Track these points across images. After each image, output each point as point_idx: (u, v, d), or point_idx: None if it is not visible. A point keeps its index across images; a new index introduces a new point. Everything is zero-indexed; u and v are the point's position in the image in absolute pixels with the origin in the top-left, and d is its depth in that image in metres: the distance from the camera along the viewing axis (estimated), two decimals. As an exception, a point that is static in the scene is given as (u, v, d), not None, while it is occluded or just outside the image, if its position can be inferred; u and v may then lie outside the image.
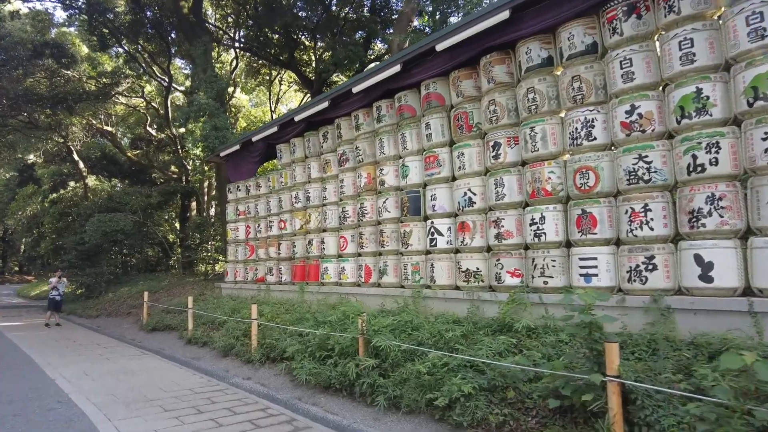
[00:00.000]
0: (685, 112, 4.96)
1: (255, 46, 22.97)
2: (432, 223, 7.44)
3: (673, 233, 5.11)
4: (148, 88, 27.80)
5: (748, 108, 4.56)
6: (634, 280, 5.20)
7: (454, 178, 7.38)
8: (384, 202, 8.36)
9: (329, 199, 9.91)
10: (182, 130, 23.88)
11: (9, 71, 20.54)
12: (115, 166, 29.09)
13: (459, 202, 7.13)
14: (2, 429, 5.17)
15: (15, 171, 33.93)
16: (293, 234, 10.95)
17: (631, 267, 5.24)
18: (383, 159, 8.53)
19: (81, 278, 20.39)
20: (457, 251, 7.17)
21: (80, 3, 21.64)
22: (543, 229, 6.02)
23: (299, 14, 19.77)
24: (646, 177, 5.22)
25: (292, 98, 30.64)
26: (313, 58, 22.68)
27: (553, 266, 5.90)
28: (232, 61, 26.33)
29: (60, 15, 45.50)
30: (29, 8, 23.69)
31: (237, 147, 12.77)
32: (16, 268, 55.65)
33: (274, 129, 11.34)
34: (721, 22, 4.90)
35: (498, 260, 6.49)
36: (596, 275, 5.53)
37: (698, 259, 4.77)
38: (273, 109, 27.87)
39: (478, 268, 6.74)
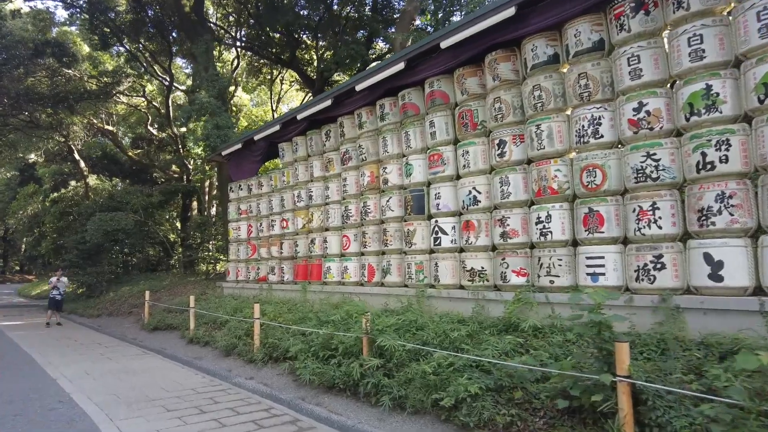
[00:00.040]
0: (695, 109, 4.90)
1: (256, 45, 22.93)
2: (436, 221, 7.38)
3: (681, 232, 5.05)
4: (149, 87, 27.76)
5: (759, 105, 4.49)
6: (642, 280, 5.14)
7: (458, 177, 7.32)
8: (387, 201, 8.30)
9: (332, 198, 9.86)
10: (183, 129, 23.82)
11: (10, 70, 20.51)
12: (116, 166, 29.07)
13: (464, 201, 7.07)
14: (3, 429, 5.12)
15: (16, 170, 33.95)
16: (295, 233, 10.89)
17: (638, 266, 5.18)
18: (387, 157, 8.47)
19: (82, 277, 20.36)
20: (462, 250, 7.11)
21: (81, 2, 21.60)
22: (549, 227, 5.96)
23: (301, 13, 19.72)
24: (654, 175, 5.16)
25: (293, 98, 30.60)
26: (315, 57, 22.63)
27: (560, 265, 5.84)
28: (233, 60, 26.27)
29: (61, 14, 45.70)
30: (30, 7, 23.69)
31: (239, 146, 12.72)
32: (17, 268, 55.64)
33: (277, 127, 11.28)
34: (731, 17, 4.83)
35: (503, 259, 6.43)
36: (603, 274, 5.47)
37: (708, 258, 4.70)
38: (274, 108, 27.82)
39: (483, 267, 6.68)
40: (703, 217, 4.78)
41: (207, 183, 27.92)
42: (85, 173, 29.99)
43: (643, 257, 5.15)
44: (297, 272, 10.51)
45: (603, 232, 5.54)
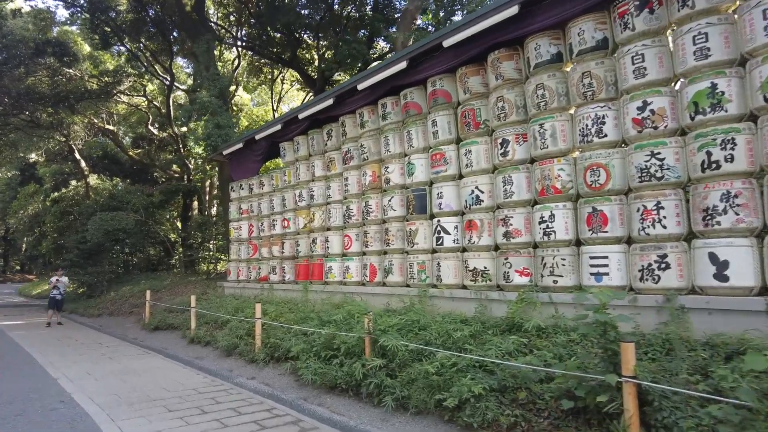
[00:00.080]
0: (699, 108, 4.87)
1: (257, 45, 22.88)
2: (438, 221, 7.35)
3: (686, 231, 5.02)
4: (149, 86, 27.71)
5: (765, 103, 4.46)
6: (647, 279, 5.11)
7: (461, 176, 7.29)
8: (389, 201, 8.28)
9: (333, 198, 9.83)
10: (184, 129, 23.80)
11: (11, 69, 20.48)
12: (116, 165, 29.04)
13: (466, 200, 7.04)
14: (5, 430, 5.09)
15: (17, 170, 33.91)
16: (297, 233, 10.87)
17: (643, 266, 5.15)
18: (388, 157, 8.44)
19: (83, 277, 20.34)
20: (464, 250, 7.08)
21: (82, 1, 21.57)
22: (552, 227, 5.94)
23: (302, 13, 19.67)
24: (658, 174, 5.13)
25: (294, 97, 30.56)
26: (316, 56, 22.58)
27: (563, 265, 5.81)
28: (234, 59, 26.23)
29: (62, 13, 45.67)
30: (31, 6, 23.70)
31: (240, 145, 12.69)
32: (18, 267, 55.65)
33: (278, 127, 11.26)
34: (736, 16, 4.80)
35: (506, 259, 6.40)
36: (607, 274, 5.44)
37: (713, 257, 4.68)
38: (275, 108, 27.78)
39: (485, 267, 6.65)
40: (709, 217, 4.75)
41: (207, 182, 27.88)
42: (86, 173, 29.97)
43: (647, 257, 5.12)
44: (298, 272, 10.48)
45: (607, 232, 5.51)
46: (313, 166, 10.50)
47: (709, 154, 4.77)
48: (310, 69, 23.04)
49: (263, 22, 20.07)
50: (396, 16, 19.44)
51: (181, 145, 26.02)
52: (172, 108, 25.15)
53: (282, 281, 11.00)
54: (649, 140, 5.23)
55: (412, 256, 7.72)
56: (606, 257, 5.47)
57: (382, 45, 22.38)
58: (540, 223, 6.07)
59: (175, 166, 28.61)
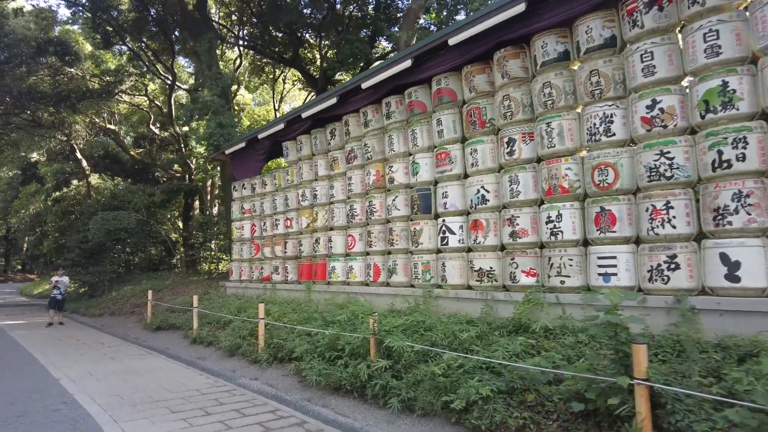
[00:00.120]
0: (710, 106, 4.80)
1: (259, 44, 22.83)
2: (443, 221, 7.29)
3: (696, 231, 4.96)
4: (151, 86, 27.69)
5: (778, 102, 4.40)
6: (656, 280, 5.05)
7: (466, 176, 7.22)
8: (393, 200, 8.21)
9: (337, 197, 9.77)
10: (185, 128, 23.76)
11: (12, 69, 20.46)
12: (118, 165, 29.02)
13: (471, 200, 6.98)
14: (6, 430, 5.04)
15: (18, 169, 33.94)
16: (300, 232, 10.81)
17: (652, 266, 5.09)
18: (392, 156, 8.38)
19: (84, 277, 20.30)
20: (470, 250, 7.02)
21: (84, 0, 21.54)
22: (560, 227, 5.87)
23: (304, 12, 19.62)
24: (668, 173, 5.07)
25: (296, 97, 30.52)
26: (318, 56, 22.53)
27: (571, 265, 5.75)
28: (236, 59, 26.20)
29: (64, 12, 45.72)
30: (33, 6, 23.67)
31: (243, 144, 12.64)
32: (19, 267, 55.65)
33: (281, 126, 11.20)
34: (748, 13, 4.74)
35: (512, 259, 6.34)
36: (615, 275, 5.38)
37: (724, 258, 4.61)
38: (277, 107, 27.74)
39: (491, 267, 6.59)
40: (720, 217, 4.68)
41: (209, 182, 27.86)
42: (87, 172, 29.94)
43: (656, 257, 5.06)
44: (301, 272, 10.43)
45: (615, 232, 5.44)
46: (316, 166, 10.44)
47: (720, 153, 4.70)
48: (312, 68, 22.99)
49: (265, 21, 20.03)
50: (398, 15, 19.39)
51: (182, 145, 25.99)
52: (173, 107, 25.12)
53: (285, 281, 10.94)
54: (659, 139, 5.16)
55: (417, 256, 7.65)
56: (614, 257, 5.41)
57: (384, 44, 22.34)
58: (547, 222, 6.01)
59: (176, 166, 28.58)
